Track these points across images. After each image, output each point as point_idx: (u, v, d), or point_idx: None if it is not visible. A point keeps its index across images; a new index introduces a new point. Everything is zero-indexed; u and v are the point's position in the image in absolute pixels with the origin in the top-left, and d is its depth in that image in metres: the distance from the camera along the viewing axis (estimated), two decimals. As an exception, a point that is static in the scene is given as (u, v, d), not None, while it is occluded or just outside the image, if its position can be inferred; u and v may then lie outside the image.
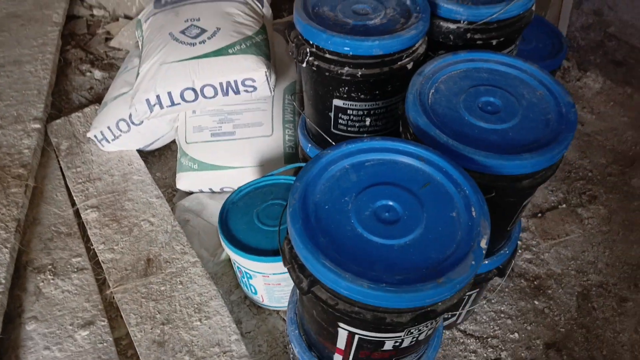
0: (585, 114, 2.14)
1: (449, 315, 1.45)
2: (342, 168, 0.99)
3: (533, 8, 1.43)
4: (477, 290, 1.38)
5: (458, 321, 1.52)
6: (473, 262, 0.83)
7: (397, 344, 0.96)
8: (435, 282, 0.80)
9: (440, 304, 0.85)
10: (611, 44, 2.97)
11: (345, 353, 1.03)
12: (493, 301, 1.56)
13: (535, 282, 1.60)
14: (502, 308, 1.55)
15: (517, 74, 1.16)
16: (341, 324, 0.94)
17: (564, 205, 1.80)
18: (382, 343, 0.95)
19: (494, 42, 1.38)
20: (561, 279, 1.61)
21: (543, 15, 2.06)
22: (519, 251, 1.68)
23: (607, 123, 2.10)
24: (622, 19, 3.15)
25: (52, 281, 1.57)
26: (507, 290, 1.59)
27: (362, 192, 0.95)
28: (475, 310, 1.54)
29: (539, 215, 1.77)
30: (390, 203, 0.93)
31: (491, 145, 1.03)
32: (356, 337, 0.95)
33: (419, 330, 0.94)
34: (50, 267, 1.60)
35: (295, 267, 0.90)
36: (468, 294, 1.37)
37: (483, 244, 0.86)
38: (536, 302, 1.56)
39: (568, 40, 2.93)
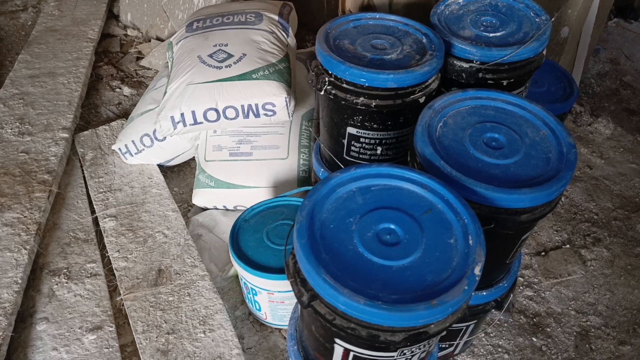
0: (595, 158, 2.18)
1: (446, 345, 1.48)
2: (349, 190, 1.05)
3: (544, 52, 1.49)
4: (475, 321, 1.40)
5: (455, 352, 1.54)
6: (466, 287, 0.87)
7: (391, 364, 1.00)
8: (429, 304, 0.84)
9: (432, 325, 0.89)
10: (626, 92, 3.02)
11: (341, 370, 1.06)
12: (491, 335, 1.59)
13: (534, 319, 1.62)
14: (500, 342, 1.57)
15: (522, 114, 1.22)
16: (337, 340, 0.98)
17: (568, 246, 1.82)
18: (376, 362, 0.99)
19: (505, 82, 1.44)
20: (561, 318, 1.63)
21: (557, 60, 2.12)
22: (520, 288, 1.70)
23: (615, 168, 2.13)
24: (638, 69, 3.21)
25: (65, 285, 1.63)
26: (506, 325, 1.61)
27: (367, 214, 1.00)
28: (473, 342, 1.57)
29: (543, 253, 1.80)
30: (392, 226, 0.98)
31: (493, 178, 1.08)
32: (351, 354, 0.99)
33: (412, 351, 0.98)
34: (65, 270, 1.67)
35: (298, 281, 0.95)
36: (465, 324, 1.40)
37: (477, 270, 0.90)
38: (534, 339, 1.58)
39: (583, 86, 2.99)
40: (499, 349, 1.55)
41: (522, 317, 1.63)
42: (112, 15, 2.92)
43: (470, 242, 0.95)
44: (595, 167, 2.15)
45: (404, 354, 0.97)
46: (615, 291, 1.70)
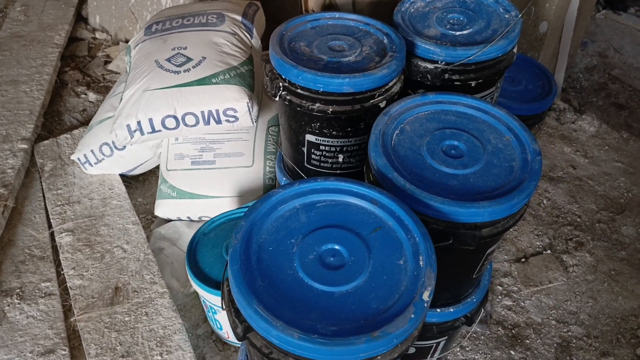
0: (579, 157, 2.09)
1: (417, 363, 1.39)
2: (292, 208, 0.96)
3: (514, 50, 1.41)
4: (445, 338, 1.32)
5: (428, 369, 1.46)
6: (413, 316, 0.79)
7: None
8: (370, 336, 0.76)
9: (379, 357, 0.81)
10: (614, 87, 2.94)
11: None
12: (467, 349, 1.50)
13: (513, 331, 1.54)
14: (476, 357, 1.48)
15: (485, 118, 1.13)
16: (279, 373, 0.89)
17: (549, 251, 1.74)
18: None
19: (473, 83, 1.36)
20: (541, 328, 1.55)
21: (536, 57, 2.04)
22: (499, 297, 1.62)
23: (600, 167, 2.05)
24: (627, 62, 3.12)
25: (18, 305, 1.54)
26: (482, 337, 1.53)
27: (310, 234, 0.92)
28: (447, 357, 1.48)
29: (523, 260, 1.72)
30: (337, 247, 0.90)
31: (450, 190, 0.99)
32: (294, 387, 0.91)
33: (361, 383, 0.89)
34: (18, 290, 1.58)
35: (232, 311, 0.86)
36: (435, 342, 1.31)
37: (426, 296, 0.82)
38: (512, 352, 1.49)
39: (570, 81, 2.90)
40: (474, 365, 1.47)
41: (500, 329, 1.55)
42: (81, 18, 2.82)
43: (421, 263, 0.87)
44: (578, 166, 2.06)
45: (352, 387, 0.88)
46: (599, 298, 1.62)
